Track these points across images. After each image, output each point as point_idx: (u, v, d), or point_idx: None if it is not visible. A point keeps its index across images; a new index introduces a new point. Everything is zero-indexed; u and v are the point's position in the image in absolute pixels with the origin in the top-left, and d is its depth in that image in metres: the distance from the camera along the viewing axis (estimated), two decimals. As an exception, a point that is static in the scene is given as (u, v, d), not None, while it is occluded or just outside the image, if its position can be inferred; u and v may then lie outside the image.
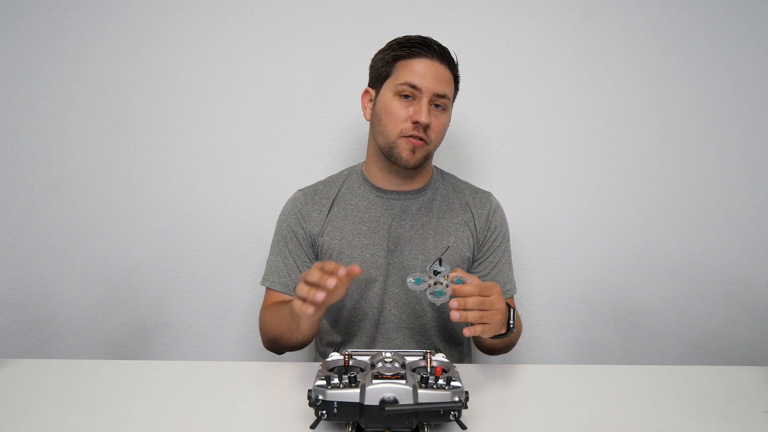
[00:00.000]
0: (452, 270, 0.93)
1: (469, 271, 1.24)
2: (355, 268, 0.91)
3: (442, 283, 0.90)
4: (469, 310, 0.88)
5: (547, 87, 1.57)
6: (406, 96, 1.13)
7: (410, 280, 0.92)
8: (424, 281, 0.92)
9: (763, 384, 1.02)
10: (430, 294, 0.91)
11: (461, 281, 0.91)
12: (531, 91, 1.57)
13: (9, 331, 1.56)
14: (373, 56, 1.21)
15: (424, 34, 1.18)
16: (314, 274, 0.88)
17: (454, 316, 0.87)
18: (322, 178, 1.34)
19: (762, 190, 1.60)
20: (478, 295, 0.89)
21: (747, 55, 1.57)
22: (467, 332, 0.89)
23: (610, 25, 1.56)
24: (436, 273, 0.91)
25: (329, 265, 0.89)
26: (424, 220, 1.22)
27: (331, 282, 0.86)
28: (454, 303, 0.87)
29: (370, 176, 1.25)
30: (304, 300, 0.89)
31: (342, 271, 0.88)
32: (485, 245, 1.25)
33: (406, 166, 1.16)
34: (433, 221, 1.22)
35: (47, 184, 1.54)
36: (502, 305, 0.93)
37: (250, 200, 1.57)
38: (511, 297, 1.26)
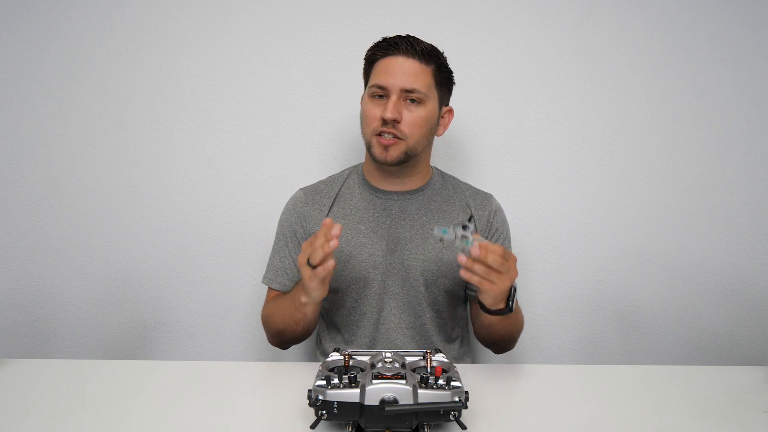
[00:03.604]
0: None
1: None
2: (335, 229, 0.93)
3: (468, 237, 0.92)
4: (488, 269, 0.92)
5: (547, 87, 1.57)
6: (380, 96, 1.15)
7: (437, 230, 0.94)
8: (451, 231, 0.94)
9: (763, 384, 1.02)
10: (460, 242, 0.93)
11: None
12: (531, 91, 1.57)
13: (9, 331, 1.56)
14: None
15: (423, 34, 1.18)
16: (316, 255, 0.93)
17: (462, 260, 0.91)
18: (321, 177, 1.34)
19: (762, 190, 1.60)
20: (501, 256, 0.92)
21: (747, 55, 1.57)
22: (464, 273, 0.93)
23: (610, 25, 1.56)
24: (464, 227, 0.93)
25: (318, 240, 0.94)
26: (424, 220, 1.22)
27: (335, 242, 0.92)
28: (475, 251, 0.90)
29: (368, 177, 1.26)
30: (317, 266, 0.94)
31: (334, 237, 0.92)
32: (486, 246, 1.25)
33: (383, 162, 1.16)
34: (433, 221, 1.22)
35: (47, 184, 1.54)
36: (515, 275, 0.96)
37: (250, 200, 1.57)
38: None
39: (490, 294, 0.97)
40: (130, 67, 1.53)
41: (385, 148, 1.15)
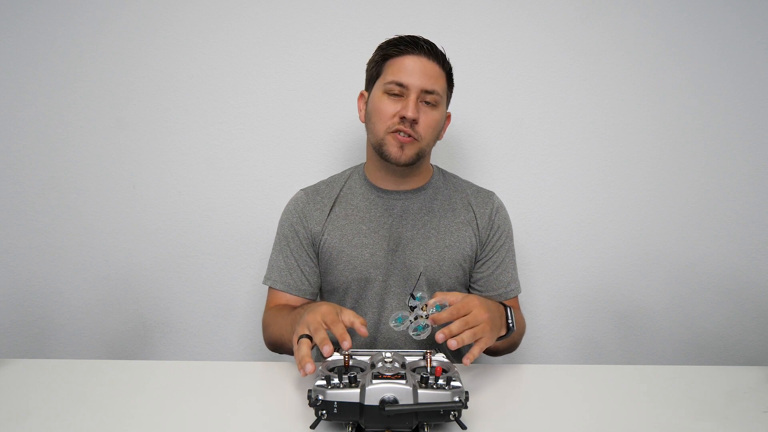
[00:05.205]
0: (430, 297, 0.92)
1: (472, 271, 1.24)
2: (361, 330, 0.87)
3: (422, 317, 0.89)
4: (460, 332, 0.88)
5: (547, 87, 1.57)
6: (395, 94, 1.13)
7: (392, 322, 0.90)
8: (406, 318, 0.90)
9: (763, 384, 1.02)
10: (413, 332, 0.89)
11: (440, 307, 0.90)
12: (531, 91, 1.57)
13: (9, 331, 1.56)
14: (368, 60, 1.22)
15: (423, 34, 1.18)
16: (320, 335, 0.86)
17: (439, 337, 0.87)
18: (322, 178, 1.34)
19: (762, 190, 1.60)
20: (458, 317, 0.88)
21: (747, 55, 1.57)
22: (452, 344, 0.87)
23: (610, 25, 1.56)
24: (412, 309, 0.90)
25: (338, 328, 0.87)
26: (426, 220, 1.22)
27: (347, 344, 0.84)
28: (439, 336, 0.86)
29: (370, 176, 1.26)
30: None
31: (346, 345, 0.84)
32: (488, 245, 1.25)
33: (396, 162, 1.15)
34: (435, 221, 1.22)
35: (47, 184, 1.54)
36: (485, 316, 0.92)
37: (250, 200, 1.57)
38: (515, 296, 1.26)
39: (484, 344, 0.92)
40: (130, 67, 1.53)
41: (401, 146, 1.13)
